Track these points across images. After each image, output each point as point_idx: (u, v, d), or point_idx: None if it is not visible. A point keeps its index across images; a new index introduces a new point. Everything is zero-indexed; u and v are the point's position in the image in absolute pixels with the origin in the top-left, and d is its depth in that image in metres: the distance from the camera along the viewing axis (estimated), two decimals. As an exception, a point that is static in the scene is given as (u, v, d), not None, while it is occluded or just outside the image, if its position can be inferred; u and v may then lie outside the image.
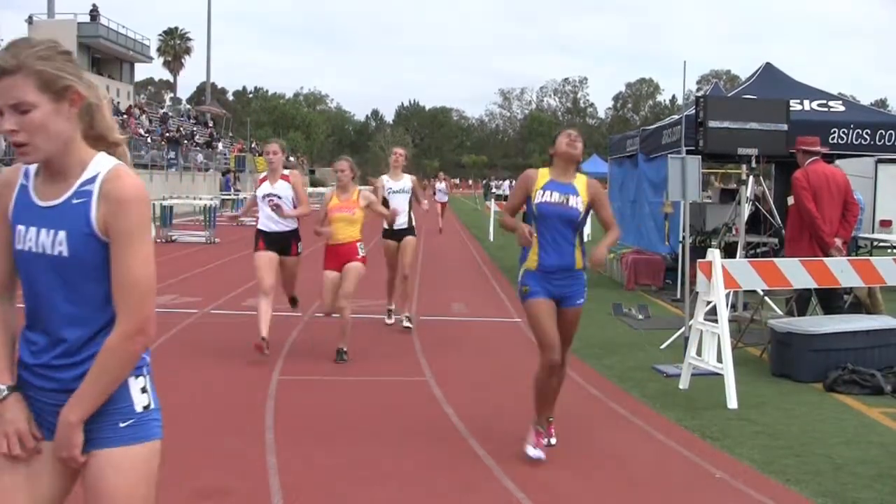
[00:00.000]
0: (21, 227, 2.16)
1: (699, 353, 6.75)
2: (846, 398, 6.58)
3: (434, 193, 27.74)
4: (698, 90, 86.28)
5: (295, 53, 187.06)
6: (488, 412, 6.01)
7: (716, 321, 6.52)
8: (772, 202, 11.32)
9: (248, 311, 9.58)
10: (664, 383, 7.01)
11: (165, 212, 21.13)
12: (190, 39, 77.00)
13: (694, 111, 10.28)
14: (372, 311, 9.93)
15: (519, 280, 5.06)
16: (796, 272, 7.02)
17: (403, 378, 7.07)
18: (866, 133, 11.20)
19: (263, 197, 7.61)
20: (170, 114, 51.04)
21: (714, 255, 6.72)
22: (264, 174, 7.80)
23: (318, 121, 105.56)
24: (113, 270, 2.13)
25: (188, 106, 68.85)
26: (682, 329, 7.91)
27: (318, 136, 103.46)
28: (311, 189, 47.85)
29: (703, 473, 4.82)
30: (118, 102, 44.71)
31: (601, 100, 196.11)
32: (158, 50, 72.99)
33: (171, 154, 39.25)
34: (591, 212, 5.10)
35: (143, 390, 2.22)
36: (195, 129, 50.72)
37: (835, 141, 10.88)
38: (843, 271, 7.09)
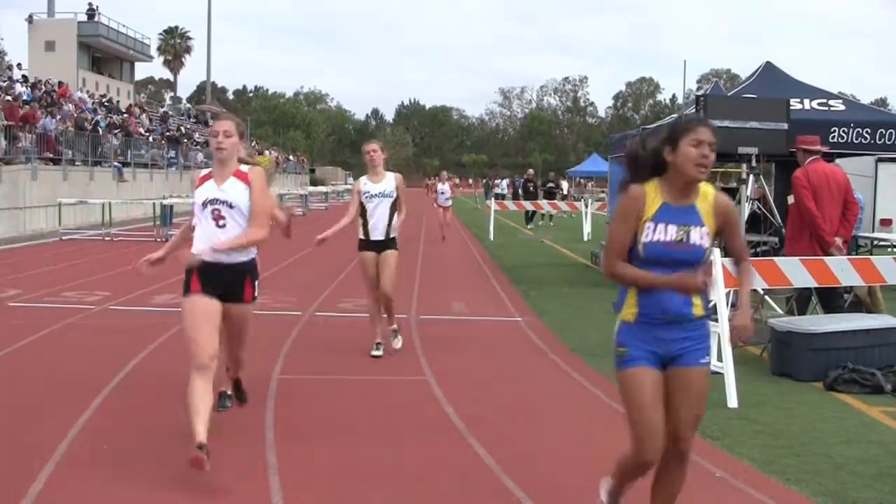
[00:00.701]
0: None
1: (699, 352, 6.72)
2: (846, 397, 6.58)
3: (436, 197, 24.54)
4: (698, 89, 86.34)
5: (295, 53, 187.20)
6: (488, 412, 6.01)
7: (716, 320, 6.52)
8: (772, 201, 11.31)
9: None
10: (664, 383, 6.99)
11: (165, 211, 21.18)
12: (190, 39, 77.28)
13: (694, 110, 10.27)
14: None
15: (615, 338, 3.59)
16: (796, 271, 7.02)
17: (403, 378, 7.06)
18: (866, 132, 11.18)
19: (204, 205, 4.77)
20: (170, 113, 51.11)
21: (714, 254, 6.72)
22: (207, 171, 4.92)
23: (318, 120, 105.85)
24: None
25: (188, 105, 68.96)
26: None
27: (319, 135, 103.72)
28: (311, 189, 47.73)
29: (704, 472, 4.81)
30: (118, 101, 44.75)
31: (601, 99, 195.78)
32: (159, 49, 73.19)
33: (172, 153, 39.33)
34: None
35: None
36: (195, 128, 50.73)
37: (835, 140, 10.85)
38: (843, 270, 7.10)
